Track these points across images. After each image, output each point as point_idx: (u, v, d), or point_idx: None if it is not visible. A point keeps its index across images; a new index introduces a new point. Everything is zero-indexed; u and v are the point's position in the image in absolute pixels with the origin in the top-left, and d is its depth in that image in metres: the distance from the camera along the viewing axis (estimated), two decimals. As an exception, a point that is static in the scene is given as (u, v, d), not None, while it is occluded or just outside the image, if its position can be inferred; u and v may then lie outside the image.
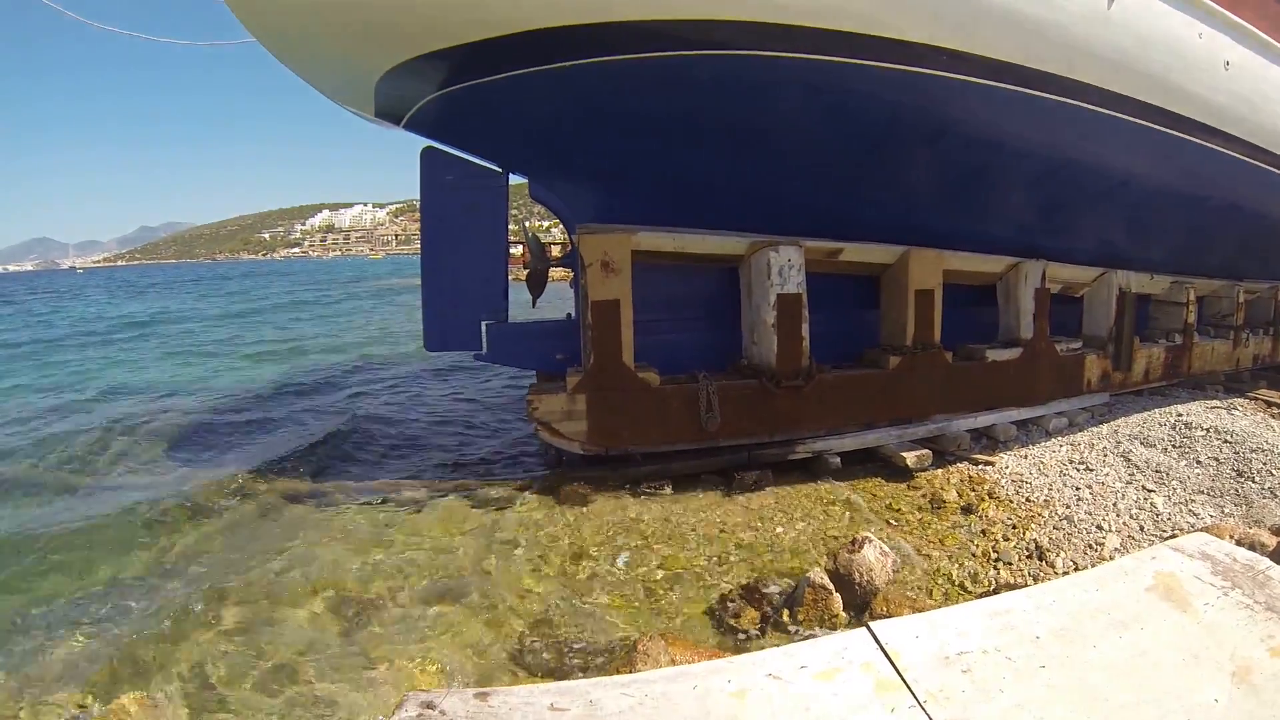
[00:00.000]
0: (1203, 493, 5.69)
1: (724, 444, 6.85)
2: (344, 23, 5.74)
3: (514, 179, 7.32)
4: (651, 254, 6.74)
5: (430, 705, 2.59)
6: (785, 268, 6.75)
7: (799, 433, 6.98)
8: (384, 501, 6.58)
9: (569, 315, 7.58)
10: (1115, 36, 6.24)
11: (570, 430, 6.59)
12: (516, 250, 8.32)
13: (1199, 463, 6.26)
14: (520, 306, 7.69)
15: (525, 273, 7.88)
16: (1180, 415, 7.54)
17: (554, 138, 6.75)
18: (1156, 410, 8.04)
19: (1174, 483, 5.93)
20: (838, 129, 6.23)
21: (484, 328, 7.02)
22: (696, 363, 6.96)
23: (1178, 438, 6.86)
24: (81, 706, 3.78)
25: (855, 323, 7.75)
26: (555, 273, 8.01)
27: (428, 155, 6.91)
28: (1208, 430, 6.85)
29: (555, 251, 8.19)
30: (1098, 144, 6.89)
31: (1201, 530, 4.58)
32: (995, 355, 7.72)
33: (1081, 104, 6.42)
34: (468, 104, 6.38)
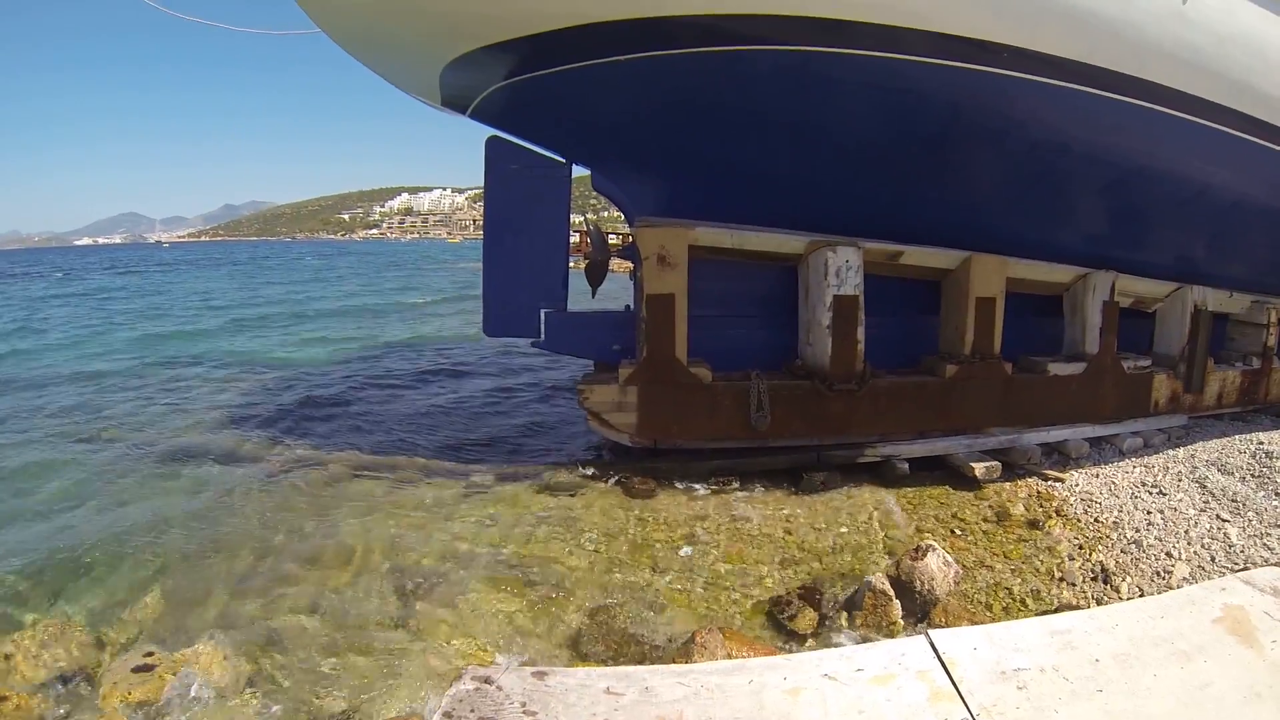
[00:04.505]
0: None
1: (788, 444, 6.80)
2: (407, 14, 5.85)
3: (579, 170, 7.38)
4: (710, 250, 6.74)
5: (488, 680, 2.67)
6: (843, 269, 6.66)
7: (850, 437, 6.89)
8: (452, 481, 6.73)
9: (627, 307, 7.63)
10: (1192, 35, 5.88)
11: (620, 421, 6.65)
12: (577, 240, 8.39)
13: (1278, 495, 5.95)
14: (581, 296, 7.75)
15: (585, 263, 7.95)
16: (1262, 444, 7.12)
17: (614, 130, 6.79)
18: (1237, 437, 7.58)
19: (1250, 514, 5.63)
20: (897, 127, 6.09)
21: (542, 315, 7.10)
22: (750, 361, 6.94)
23: (1258, 467, 6.50)
24: (149, 655, 3.96)
25: (914, 328, 7.60)
26: (617, 264, 8.03)
27: (492, 144, 7.02)
28: (1290, 462, 6.49)
29: (615, 242, 8.22)
30: (1172, 150, 6.55)
31: (1276, 565, 4.36)
32: (1057, 369, 7.47)
33: (1155, 107, 6.09)
34: (531, 95, 6.47)
